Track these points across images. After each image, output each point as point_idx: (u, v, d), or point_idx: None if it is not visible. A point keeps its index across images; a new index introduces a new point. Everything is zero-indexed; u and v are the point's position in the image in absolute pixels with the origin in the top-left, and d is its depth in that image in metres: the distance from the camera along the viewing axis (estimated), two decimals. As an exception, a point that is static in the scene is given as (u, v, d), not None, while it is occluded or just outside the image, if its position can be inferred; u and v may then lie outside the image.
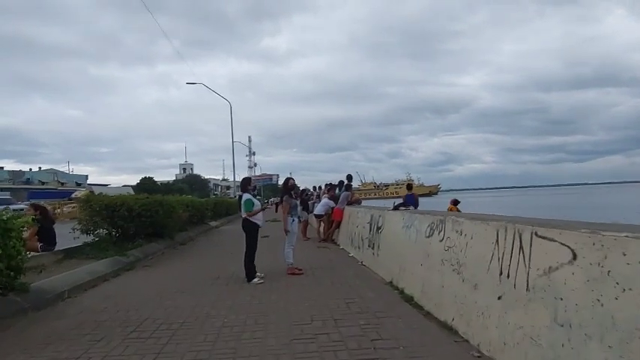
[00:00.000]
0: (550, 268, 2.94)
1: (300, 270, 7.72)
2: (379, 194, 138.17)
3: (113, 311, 5.38)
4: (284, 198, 7.59)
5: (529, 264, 3.20)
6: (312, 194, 18.49)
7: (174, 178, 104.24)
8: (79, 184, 69.90)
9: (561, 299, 2.79)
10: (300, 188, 17.23)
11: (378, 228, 7.94)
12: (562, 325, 2.74)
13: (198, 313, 5.19)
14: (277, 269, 8.09)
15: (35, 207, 8.60)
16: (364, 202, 15.56)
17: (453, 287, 4.42)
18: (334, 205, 12.74)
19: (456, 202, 14.34)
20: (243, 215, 7.15)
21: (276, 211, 37.15)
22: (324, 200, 13.33)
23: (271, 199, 66.11)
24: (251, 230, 7.16)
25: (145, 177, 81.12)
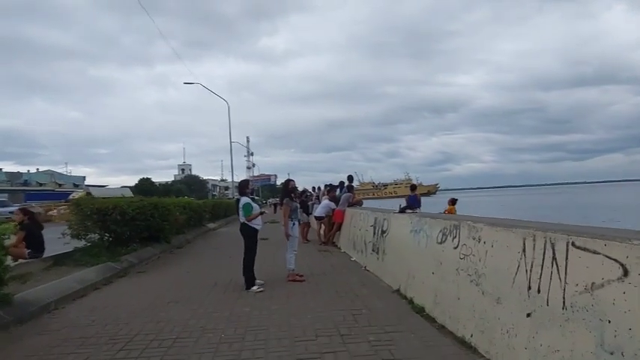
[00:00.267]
0: (593, 284, 2.57)
1: (302, 276, 7.34)
2: (378, 194, 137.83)
3: (101, 325, 4.98)
4: (284, 201, 7.20)
5: (565, 279, 2.83)
6: (311, 195, 18.12)
7: (172, 179, 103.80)
8: (76, 186, 69.53)
9: (609, 322, 2.42)
10: (299, 189, 16.84)
11: (383, 232, 7.57)
12: (612, 353, 2.37)
13: (193, 326, 4.80)
14: (277, 275, 7.71)
15: (24, 211, 8.19)
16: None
17: (471, 300, 4.05)
18: (335, 206, 12.38)
19: (454, 201, 13.99)
20: (242, 220, 6.76)
21: (275, 212, 36.90)
22: (325, 202, 12.97)
23: (270, 200, 65.76)
24: (250, 235, 6.77)
25: (143, 178, 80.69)
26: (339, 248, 11.52)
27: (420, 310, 5.06)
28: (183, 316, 5.20)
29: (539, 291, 3.08)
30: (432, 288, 5.00)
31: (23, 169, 75.19)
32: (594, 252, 2.60)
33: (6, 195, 42.95)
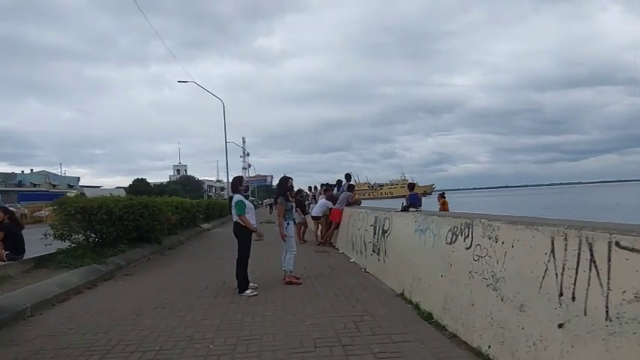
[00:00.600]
0: (647, 292, 2.16)
1: (298, 279, 6.92)
2: (373, 195, 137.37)
3: (79, 333, 4.53)
4: (278, 200, 6.75)
5: (608, 284, 2.42)
6: (307, 195, 17.71)
7: (168, 180, 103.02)
8: (70, 187, 68.79)
9: (670, 337, 2.02)
10: (295, 189, 16.41)
11: (384, 231, 7.15)
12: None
13: (179, 336, 4.36)
14: (272, 277, 7.29)
15: (3, 210, 7.71)
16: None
17: (488, 306, 3.63)
18: (332, 205, 11.96)
19: (443, 195, 14.41)
20: (235, 219, 6.32)
21: (270, 212, 36.43)
22: (322, 201, 12.55)
23: (265, 200, 65.20)
24: (243, 235, 6.33)
25: (138, 179, 79.91)
26: (337, 249, 11.10)
27: (427, 317, 4.64)
28: (169, 324, 4.76)
29: (573, 298, 2.68)
30: (440, 292, 4.59)
31: (18, 170, 74.30)
32: (647, 253, 2.20)
33: (0, 196, 42.37)
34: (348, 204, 11.47)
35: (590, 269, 2.56)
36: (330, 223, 11.96)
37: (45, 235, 7.75)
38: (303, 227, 13.13)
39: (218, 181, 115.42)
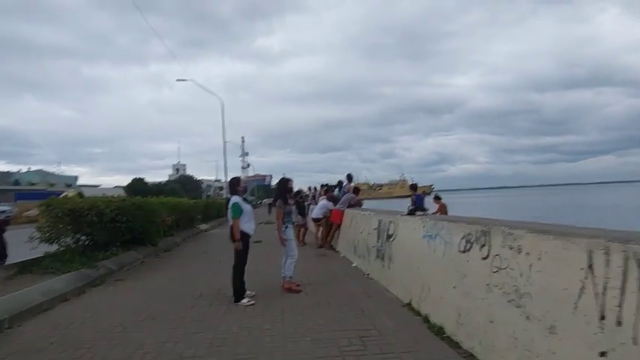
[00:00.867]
0: None
1: (298, 285, 6.55)
2: (373, 195, 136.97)
3: (59, 349, 4.16)
4: (277, 203, 6.36)
5: (666, 310, 2.05)
6: (306, 196, 17.34)
7: (167, 179, 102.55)
8: (68, 186, 68.37)
9: None
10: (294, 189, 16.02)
11: (389, 236, 6.77)
12: None
13: (168, 353, 3.99)
14: (270, 284, 6.91)
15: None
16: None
17: (510, 325, 3.26)
18: (333, 207, 11.59)
19: (439, 197, 13.04)
20: (230, 222, 5.92)
21: (269, 212, 35.92)
22: (322, 202, 12.17)
23: (264, 200, 64.74)
24: (241, 240, 5.93)
25: (136, 178, 79.43)
26: (338, 252, 10.72)
27: (439, 332, 4.27)
28: (158, 338, 4.38)
29: (619, 323, 2.31)
30: (453, 305, 4.22)
31: (16, 169, 73.95)
32: None
33: (-5, 195, 41.90)
34: (350, 205, 11.09)
35: (641, 290, 2.19)
36: (330, 225, 11.60)
37: (30, 239, 7.36)
38: (302, 229, 12.74)
39: (217, 180, 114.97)
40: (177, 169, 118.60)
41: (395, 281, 6.16)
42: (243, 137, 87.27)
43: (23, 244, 7.57)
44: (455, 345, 3.93)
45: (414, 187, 14.29)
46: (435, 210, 11.67)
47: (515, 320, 3.22)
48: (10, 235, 7.76)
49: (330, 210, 11.53)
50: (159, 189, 59.05)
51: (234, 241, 5.80)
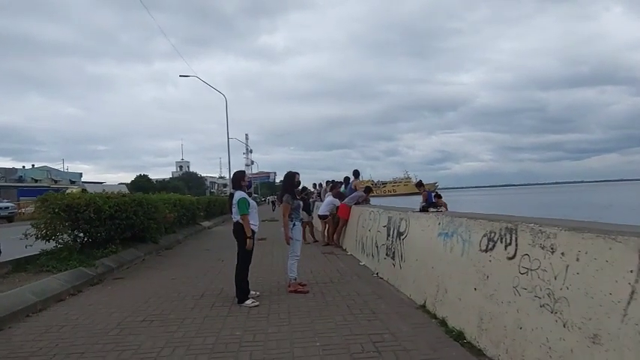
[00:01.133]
0: None
1: (304, 286, 6.24)
2: (377, 192, 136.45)
3: (48, 355, 3.86)
4: (284, 197, 5.98)
5: None
6: (311, 193, 17.02)
7: (170, 176, 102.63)
8: (73, 182, 68.42)
9: None
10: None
11: (400, 234, 6.45)
12: None
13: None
14: (275, 283, 6.63)
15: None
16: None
17: (543, 332, 2.94)
18: (339, 203, 11.28)
19: (439, 195, 12.43)
20: (235, 218, 5.61)
21: (273, 209, 35.61)
22: (329, 199, 11.86)
23: (268, 198, 64.50)
24: (245, 237, 5.62)
25: (140, 175, 79.43)
26: (345, 250, 10.42)
27: (458, 336, 3.96)
28: (156, 343, 4.08)
29: (684, 335, 1.98)
30: (474, 308, 3.90)
31: (20, 166, 74.07)
32: None
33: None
34: (357, 203, 10.77)
35: None
36: (337, 222, 11.29)
37: (25, 235, 7.08)
38: (308, 227, 12.45)
39: (221, 177, 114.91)
40: (181, 167, 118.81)
41: (407, 281, 5.84)
42: (246, 134, 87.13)
43: (21, 241, 7.32)
44: (477, 352, 3.61)
45: (420, 184, 13.92)
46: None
47: (549, 327, 2.89)
48: (10, 231, 7.50)
49: (337, 206, 11.23)
50: (162, 186, 59.04)
51: (244, 239, 5.49)
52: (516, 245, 3.40)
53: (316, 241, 12.10)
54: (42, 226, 7.25)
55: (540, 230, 3.14)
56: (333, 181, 14.48)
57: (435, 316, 4.61)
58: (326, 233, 11.82)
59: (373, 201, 18.70)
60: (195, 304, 5.52)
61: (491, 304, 3.64)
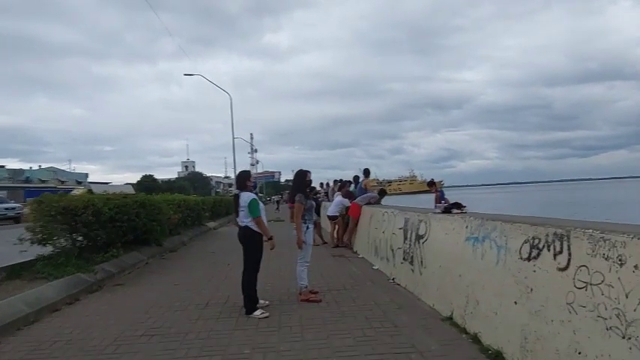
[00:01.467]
0: None
1: (316, 293, 5.79)
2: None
3: (35, 378, 3.44)
4: (297, 197, 5.50)
5: None
6: (319, 193, 16.57)
7: (176, 176, 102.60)
8: (79, 183, 68.49)
9: None
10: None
11: (419, 237, 5.98)
12: None
13: (165, 384, 3.25)
14: (285, 290, 6.19)
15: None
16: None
17: (612, 360, 2.47)
18: (348, 203, 10.83)
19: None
20: (244, 222, 5.13)
21: (277, 209, 35.05)
22: (338, 199, 11.39)
23: (273, 197, 63.99)
24: (253, 243, 5.16)
25: (146, 175, 79.34)
26: (356, 252, 9.96)
27: (496, 357, 3.49)
28: (154, 363, 3.65)
29: None
30: (515, 325, 3.42)
31: (29, 166, 74.41)
32: None
33: (5, 192, 41.90)
34: (369, 203, 10.31)
35: None
36: (346, 223, 10.84)
37: (20, 240, 6.67)
38: (316, 228, 12.00)
39: (226, 177, 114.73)
40: (187, 167, 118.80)
41: (429, 289, 5.37)
42: (251, 134, 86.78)
43: (21, 245, 6.89)
44: (522, 377, 3.14)
45: (432, 183, 13.44)
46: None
47: (620, 355, 2.42)
48: (15, 233, 7.06)
49: (347, 207, 10.78)
50: (168, 186, 58.87)
51: (268, 239, 5.18)
52: (569, 254, 2.93)
53: (325, 242, 11.65)
54: (37, 229, 6.84)
55: (602, 238, 2.67)
56: (341, 180, 14.03)
57: (464, 331, 4.15)
58: (335, 235, 11.36)
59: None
60: (199, 315, 5.08)
61: (537, 321, 3.16)
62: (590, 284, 2.70)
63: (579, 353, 2.72)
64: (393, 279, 6.79)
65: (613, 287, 2.52)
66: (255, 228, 5.07)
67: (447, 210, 5.57)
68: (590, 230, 2.80)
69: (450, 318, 4.52)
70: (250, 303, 5.03)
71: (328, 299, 5.62)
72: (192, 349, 3.95)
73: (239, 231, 5.22)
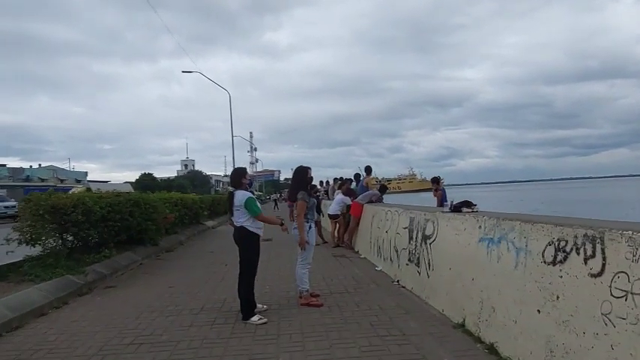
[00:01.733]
0: None
1: (317, 296, 5.48)
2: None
3: (8, 394, 3.12)
4: (299, 195, 5.14)
5: None
6: (320, 191, 16.25)
7: (175, 175, 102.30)
8: (78, 181, 68.28)
9: None
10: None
11: (426, 237, 5.66)
12: None
13: (151, 401, 2.93)
14: (284, 294, 5.88)
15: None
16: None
17: (660, 382, 2.15)
18: (350, 201, 10.51)
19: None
20: (240, 221, 4.81)
21: (275, 208, 34.71)
22: (339, 197, 11.07)
23: (272, 196, 63.62)
24: (249, 244, 4.83)
25: (145, 173, 78.96)
26: (357, 252, 9.65)
27: (516, 370, 3.17)
28: (141, 376, 3.33)
29: None
30: (539, 336, 3.10)
31: (28, 165, 74.21)
32: None
33: (4, 190, 41.73)
34: (370, 202, 9.99)
35: None
36: (347, 221, 10.52)
37: (6, 240, 6.34)
38: (316, 227, 11.70)
39: (226, 176, 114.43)
40: (186, 165, 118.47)
41: (437, 293, 5.04)
42: (251, 132, 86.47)
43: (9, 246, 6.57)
44: (548, 395, 2.82)
45: (436, 180, 13.05)
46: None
47: (671, 377, 2.10)
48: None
49: (348, 205, 10.47)
50: (167, 184, 58.53)
51: (280, 223, 5.05)
52: (604, 259, 2.61)
53: (325, 242, 11.33)
54: (26, 229, 6.51)
55: (645, 240, 2.35)
56: (341, 178, 13.73)
57: (479, 340, 3.82)
58: (336, 234, 11.05)
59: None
60: (192, 321, 4.76)
61: (565, 333, 2.84)
62: (632, 293, 2.37)
63: (618, 371, 2.40)
64: (397, 281, 6.48)
65: (660, 297, 2.20)
66: (251, 228, 4.75)
67: (457, 209, 5.24)
68: (630, 232, 2.47)
69: (462, 325, 4.20)
70: (247, 308, 4.70)
71: (330, 303, 5.29)
72: (183, 360, 3.63)
73: (234, 231, 4.90)
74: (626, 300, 2.41)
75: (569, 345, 2.79)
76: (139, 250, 9.29)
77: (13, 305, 4.98)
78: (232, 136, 33.35)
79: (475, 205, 5.28)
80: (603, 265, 2.61)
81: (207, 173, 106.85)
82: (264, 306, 5.06)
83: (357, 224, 10.10)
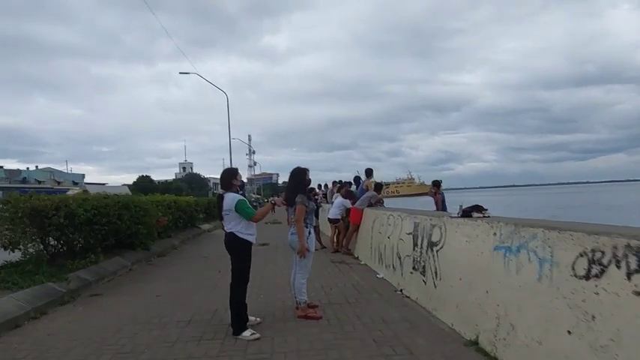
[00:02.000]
0: None
1: (316, 307, 5.07)
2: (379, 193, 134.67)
3: None
4: (297, 198, 4.73)
5: None
6: (318, 194, 15.85)
7: (173, 178, 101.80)
8: (75, 184, 67.79)
9: None
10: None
11: (432, 244, 5.26)
12: None
13: None
14: (280, 304, 5.47)
15: None
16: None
17: None
18: (350, 205, 10.11)
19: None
20: (230, 227, 4.41)
21: (273, 210, 34.27)
22: (338, 200, 10.66)
23: (271, 199, 63.21)
24: (241, 250, 4.43)
25: (142, 176, 78.43)
26: (357, 258, 9.24)
27: (543, 400, 2.76)
28: (114, 404, 2.91)
29: None
30: (569, 358, 2.71)
31: (28, 167, 73.73)
32: None
33: (1, 192, 41.31)
34: (370, 205, 9.60)
35: None
36: (347, 226, 10.11)
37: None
38: (316, 232, 11.28)
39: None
40: (184, 168, 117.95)
41: (446, 305, 4.64)
42: (249, 135, 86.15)
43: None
44: None
45: (437, 183, 12.65)
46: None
47: None
48: None
49: (348, 209, 10.06)
50: (165, 187, 58.05)
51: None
52: (654, 274, 2.22)
53: (324, 247, 10.92)
54: (4, 232, 6.10)
55: None
56: (340, 181, 13.35)
57: (495, 359, 3.43)
58: (335, 239, 10.64)
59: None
60: (178, 336, 4.34)
61: (603, 358, 2.45)
62: (693, 317, 1.98)
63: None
64: (401, 290, 6.07)
65: None
66: (241, 235, 4.34)
67: (467, 214, 4.84)
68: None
69: (476, 343, 3.79)
70: (238, 322, 4.29)
71: (329, 315, 4.89)
72: (163, 384, 3.21)
73: (225, 237, 4.49)
74: (685, 325, 2.01)
75: (610, 374, 2.39)
76: (129, 255, 8.87)
77: (-15, 316, 4.57)
78: (230, 138, 32.93)
79: (486, 209, 4.88)
80: (653, 281, 2.22)
81: (206, 176, 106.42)
82: (258, 319, 4.64)
83: (356, 231, 9.71)
